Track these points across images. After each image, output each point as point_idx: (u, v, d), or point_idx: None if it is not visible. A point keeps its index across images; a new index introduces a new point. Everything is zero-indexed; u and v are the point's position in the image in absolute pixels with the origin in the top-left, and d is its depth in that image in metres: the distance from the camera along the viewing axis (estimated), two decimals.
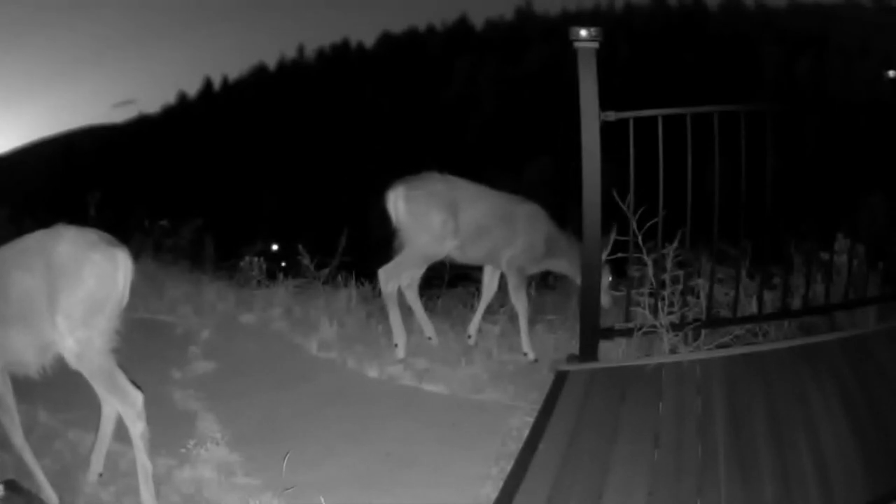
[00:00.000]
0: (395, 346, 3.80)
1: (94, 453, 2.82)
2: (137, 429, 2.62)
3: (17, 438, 2.69)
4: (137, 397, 2.64)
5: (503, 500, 2.36)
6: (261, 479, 2.82)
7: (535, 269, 4.10)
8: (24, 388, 2.74)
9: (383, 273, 3.80)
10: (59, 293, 2.57)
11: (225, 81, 67.07)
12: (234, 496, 2.73)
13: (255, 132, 52.68)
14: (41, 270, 2.59)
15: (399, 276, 3.83)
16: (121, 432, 2.76)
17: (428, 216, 3.75)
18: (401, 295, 3.91)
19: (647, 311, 3.48)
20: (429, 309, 4.33)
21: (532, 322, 4.02)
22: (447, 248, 3.82)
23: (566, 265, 4.04)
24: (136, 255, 2.79)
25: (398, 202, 3.78)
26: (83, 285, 2.58)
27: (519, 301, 3.91)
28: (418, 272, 3.96)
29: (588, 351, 3.41)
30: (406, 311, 3.96)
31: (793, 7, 57.50)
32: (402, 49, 63.28)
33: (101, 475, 2.81)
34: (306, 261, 4.51)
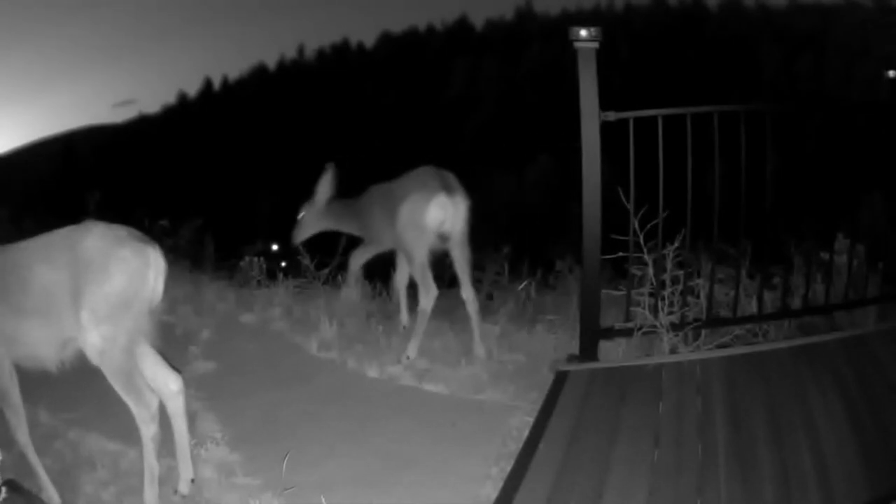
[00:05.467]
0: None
1: (180, 460, 2.77)
2: (150, 431, 2.57)
3: (22, 436, 2.67)
4: (153, 400, 2.61)
5: (503, 500, 2.36)
6: (261, 479, 2.81)
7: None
8: (25, 387, 2.73)
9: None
10: (84, 288, 2.53)
11: (225, 81, 67.32)
12: (234, 496, 2.73)
13: (255, 132, 52.70)
14: (67, 265, 2.55)
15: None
16: (122, 432, 2.76)
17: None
18: (412, 296, 3.98)
19: (647, 311, 3.48)
20: None
21: (532, 322, 4.02)
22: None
23: None
24: None
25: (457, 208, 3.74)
26: (110, 281, 2.53)
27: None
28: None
29: (588, 351, 3.40)
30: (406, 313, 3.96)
31: (792, 7, 57.61)
32: (402, 49, 63.33)
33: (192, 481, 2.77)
34: (306, 261, 4.51)
